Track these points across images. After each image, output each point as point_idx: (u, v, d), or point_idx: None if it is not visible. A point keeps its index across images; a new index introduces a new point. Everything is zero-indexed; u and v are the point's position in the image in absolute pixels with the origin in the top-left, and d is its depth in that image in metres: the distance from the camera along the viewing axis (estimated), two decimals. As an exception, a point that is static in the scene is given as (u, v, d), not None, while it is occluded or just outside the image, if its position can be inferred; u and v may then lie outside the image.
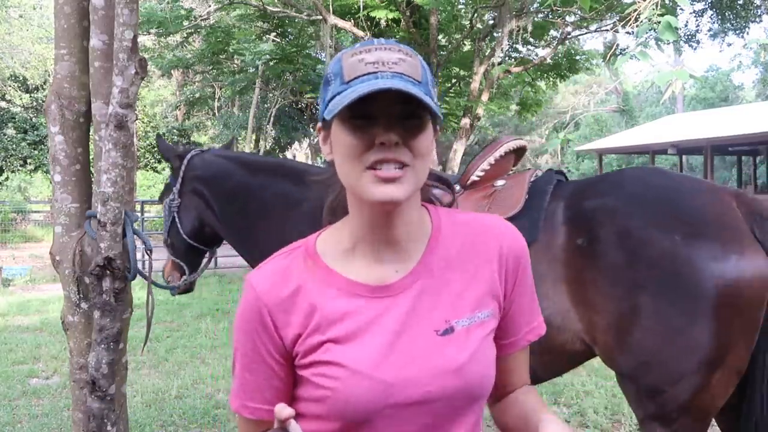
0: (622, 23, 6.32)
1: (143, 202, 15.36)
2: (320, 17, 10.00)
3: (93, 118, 2.21)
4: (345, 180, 0.97)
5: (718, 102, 34.65)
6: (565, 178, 2.40)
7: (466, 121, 10.86)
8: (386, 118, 0.92)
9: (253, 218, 2.84)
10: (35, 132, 19.66)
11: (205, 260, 3.23)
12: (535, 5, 10.13)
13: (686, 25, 15.04)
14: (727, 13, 14.02)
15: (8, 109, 20.24)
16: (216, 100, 18.51)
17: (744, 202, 1.96)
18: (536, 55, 12.49)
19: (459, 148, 10.73)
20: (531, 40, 11.61)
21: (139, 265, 2.33)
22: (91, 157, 2.26)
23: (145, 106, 21.83)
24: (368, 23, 10.65)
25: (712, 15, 14.50)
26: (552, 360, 2.10)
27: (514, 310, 1.07)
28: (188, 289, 3.23)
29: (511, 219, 2.15)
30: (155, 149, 22.61)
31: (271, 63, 12.21)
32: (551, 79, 12.94)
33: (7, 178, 21.77)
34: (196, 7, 12.69)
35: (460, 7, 11.04)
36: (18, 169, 20.57)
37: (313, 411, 0.99)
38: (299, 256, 1.04)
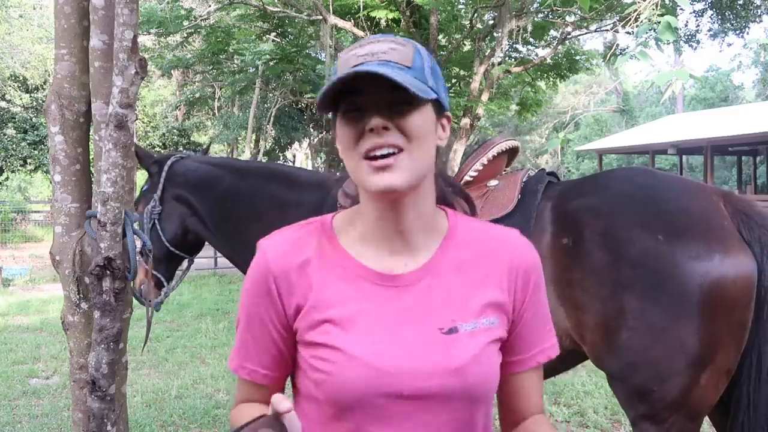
0: (622, 23, 6.32)
1: (143, 202, 15.38)
2: (320, 17, 10.00)
3: (93, 118, 2.20)
4: (349, 172, 0.99)
5: (718, 102, 34.65)
6: (557, 178, 2.41)
7: (466, 121, 10.86)
8: (375, 104, 0.94)
9: (246, 222, 2.82)
10: (35, 132, 19.65)
11: (180, 270, 3.19)
12: (535, 5, 10.13)
13: (686, 25, 15.05)
14: (727, 13, 14.02)
15: (8, 109, 20.23)
16: (216, 100, 18.50)
17: (731, 202, 1.96)
18: (536, 55, 12.49)
19: (459, 148, 10.72)
20: (531, 40, 11.60)
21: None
22: (91, 157, 2.26)
23: (145, 106, 21.82)
24: (368, 23, 10.64)
25: (712, 15, 14.50)
26: None
27: (524, 327, 1.05)
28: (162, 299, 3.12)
29: (503, 218, 2.17)
30: (155, 149, 22.63)
31: (271, 63, 12.20)
32: (551, 79, 12.93)
33: (7, 178, 21.77)
34: (196, 7, 12.68)
35: (460, 7, 11.03)
36: (18, 169, 20.56)
37: (311, 393, 1.00)
38: (313, 231, 1.05)
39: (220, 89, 17.44)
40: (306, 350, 1.00)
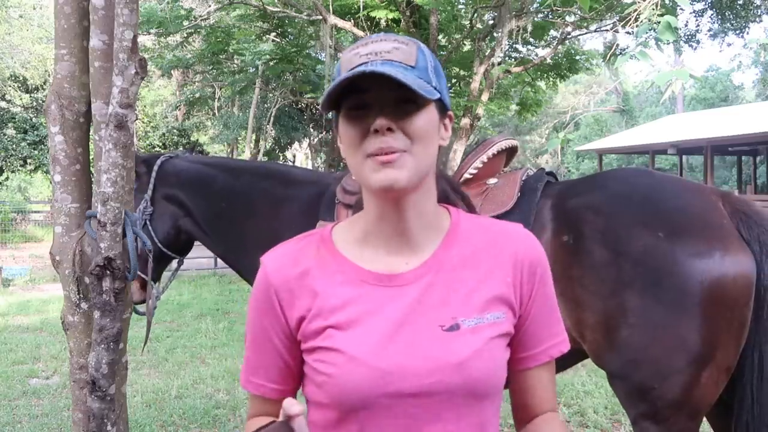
0: (622, 23, 6.32)
1: (143, 202, 15.37)
2: (320, 17, 10.00)
3: (93, 118, 2.20)
4: (352, 171, 0.99)
5: (718, 102, 34.65)
6: (555, 178, 2.42)
7: (466, 121, 10.86)
8: (380, 105, 0.94)
9: (241, 220, 2.81)
10: (35, 132, 19.65)
11: (170, 270, 3.17)
12: (535, 5, 10.12)
13: (686, 25, 15.05)
14: (727, 13, 14.02)
15: (8, 109, 20.22)
16: (216, 100, 18.50)
17: (730, 202, 1.98)
18: (536, 55, 12.49)
19: (459, 148, 10.72)
20: (531, 40, 11.60)
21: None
22: (91, 157, 2.26)
23: (145, 106, 21.81)
24: (368, 23, 10.65)
25: (712, 15, 14.49)
26: None
27: (531, 322, 1.04)
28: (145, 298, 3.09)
29: (502, 216, 2.17)
30: (155, 149, 22.61)
31: (271, 63, 12.20)
32: (551, 79, 12.94)
33: (7, 178, 21.76)
34: (196, 7, 12.67)
35: (460, 7, 11.03)
36: (18, 169, 20.57)
37: (315, 398, 1.00)
38: (313, 242, 1.06)
39: (220, 89, 17.43)
40: (309, 356, 1.00)
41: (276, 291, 1.02)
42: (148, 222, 2.90)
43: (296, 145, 20.51)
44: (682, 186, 2.07)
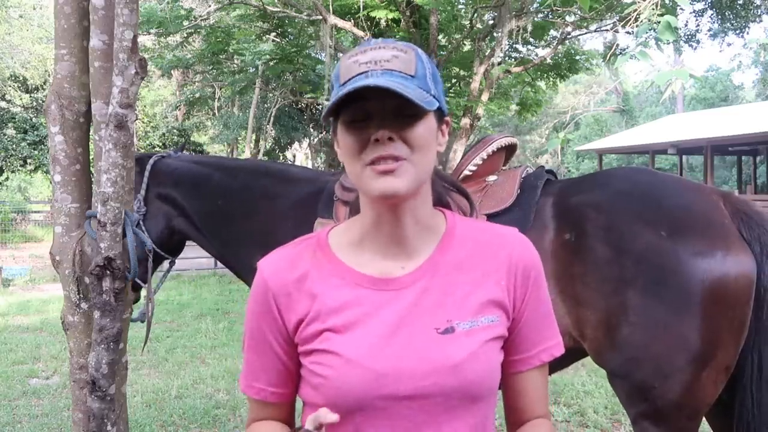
0: (622, 23, 6.32)
1: (143, 202, 15.37)
2: (320, 17, 9.99)
3: (93, 118, 2.21)
4: (351, 178, 1.00)
5: (718, 102, 34.66)
6: (555, 176, 2.43)
7: (466, 121, 10.85)
8: (380, 114, 0.94)
9: (239, 218, 2.80)
10: (35, 132, 19.65)
11: (161, 271, 3.17)
12: (535, 5, 10.12)
13: (686, 25, 15.05)
14: (727, 13, 14.01)
15: (8, 109, 20.22)
16: (216, 100, 18.49)
17: (730, 202, 1.98)
18: (536, 55, 12.48)
19: (459, 148, 10.72)
20: (531, 40, 11.59)
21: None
22: (91, 157, 2.26)
23: (145, 106, 21.81)
24: (368, 23, 10.64)
25: (712, 15, 14.49)
26: None
27: (525, 325, 1.04)
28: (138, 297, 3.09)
29: (502, 212, 2.17)
30: (155, 149, 22.61)
31: (271, 63, 12.19)
32: (551, 79, 12.93)
33: (7, 178, 21.76)
34: (196, 7, 12.67)
35: (460, 7, 11.02)
36: (18, 169, 20.56)
37: (311, 400, 1.00)
38: (309, 246, 1.06)
39: (220, 89, 17.43)
40: (306, 358, 1.01)
41: (274, 295, 1.02)
42: (141, 222, 2.83)
43: (296, 145, 20.51)
44: (684, 185, 2.07)
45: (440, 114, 1.02)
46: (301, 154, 24.43)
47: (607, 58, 10.96)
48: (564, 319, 2.05)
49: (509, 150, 2.49)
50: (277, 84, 14.39)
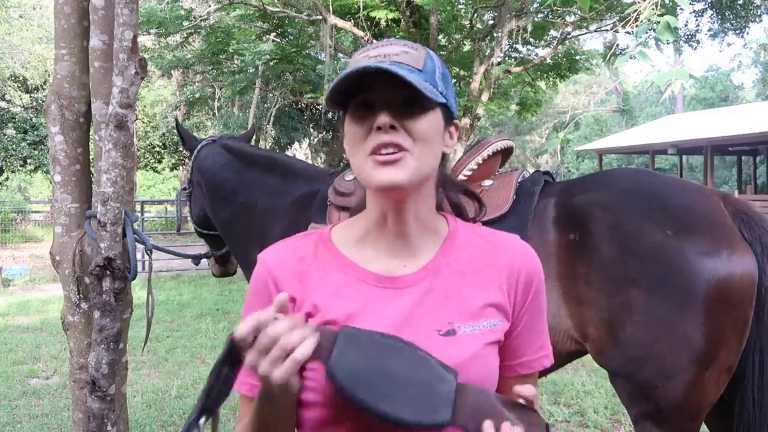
0: (622, 23, 6.32)
1: (143, 202, 15.38)
2: (320, 17, 9.99)
3: (93, 118, 2.21)
4: (355, 171, 1.00)
5: (718, 102, 34.65)
6: (552, 178, 2.42)
7: (466, 121, 10.85)
8: (384, 103, 0.95)
9: (238, 212, 2.88)
10: (35, 132, 19.65)
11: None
12: (535, 5, 10.12)
13: (686, 25, 15.04)
14: (727, 13, 14.01)
15: (8, 109, 20.22)
16: (216, 100, 18.48)
17: (731, 203, 1.99)
18: (536, 55, 12.48)
19: (459, 148, 10.72)
20: (531, 40, 11.59)
21: (139, 266, 2.34)
22: (91, 157, 2.26)
23: (145, 106, 21.81)
24: (368, 23, 10.64)
25: (712, 15, 14.49)
26: None
27: (520, 332, 1.05)
28: (226, 271, 3.28)
29: (498, 219, 2.17)
30: (155, 149, 22.62)
31: (271, 63, 12.19)
32: (551, 79, 12.93)
33: (7, 178, 21.76)
34: (196, 7, 12.67)
35: (460, 7, 11.02)
36: (18, 169, 20.57)
37: (308, 397, 0.99)
38: (311, 241, 1.06)
39: (220, 89, 17.42)
40: None
41: (276, 284, 1.02)
42: (188, 201, 3.15)
43: (296, 145, 20.49)
44: (685, 186, 2.08)
45: (449, 115, 1.02)
46: (301, 154, 24.43)
47: (607, 58, 10.96)
48: (566, 321, 2.04)
49: (505, 153, 2.49)
50: (277, 84, 14.38)
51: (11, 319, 7.85)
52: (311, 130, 17.64)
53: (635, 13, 3.86)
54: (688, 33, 14.82)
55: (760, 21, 14.71)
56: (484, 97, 10.86)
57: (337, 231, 1.08)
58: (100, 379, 2.04)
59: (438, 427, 0.87)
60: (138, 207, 12.77)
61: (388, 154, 0.94)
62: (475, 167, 2.37)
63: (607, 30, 11.50)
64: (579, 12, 10.03)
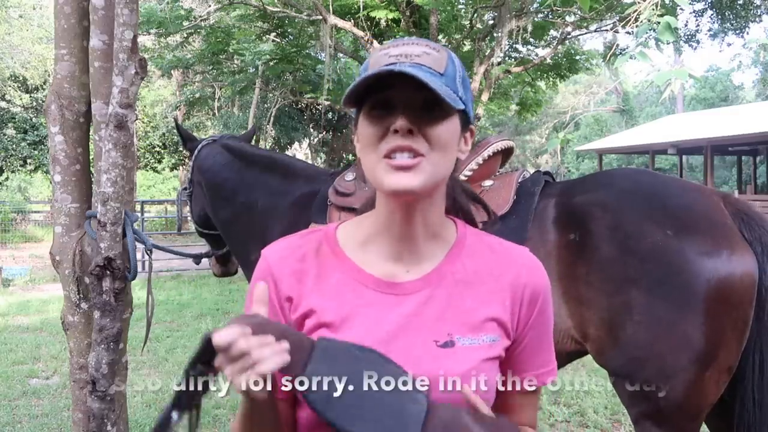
0: (622, 23, 6.32)
1: (143, 202, 15.38)
2: (320, 17, 9.99)
3: (93, 118, 2.21)
4: (366, 172, 0.97)
5: (718, 102, 34.64)
6: (552, 178, 2.42)
7: (466, 121, 10.85)
8: (403, 106, 0.92)
9: (239, 211, 2.88)
10: (35, 132, 19.64)
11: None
12: (535, 5, 10.12)
13: (686, 25, 15.04)
14: (727, 13, 14.01)
15: (8, 109, 20.21)
16: (216, 100, 18.48)
17: (731, 203, 1.99)
18: (536, 55, 12.48)
19: (459, 148, 10.72)
20: (531, 40, 11.59)
21: (139, 265, 2.34)
22: (91, 157, 2.26)
23: (145, 106, 21.80)
24: (368, 23, 10.64)
25: (712, 15, 14.48)
26: None
27: (523, 349, 1.02)
28: (226, 271, 3.28)
29: (499, 219, 2.16)
30: (155, 149, 22.61)
31: (271, 63, 12.18)
32: (551, 79, 12.93)
33: (7, 178, 21.75)
34: (196, 7, 12.67)
35: (460, 7, 11.02)
36: (18, 169, 20.56)
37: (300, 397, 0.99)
38: (316, 239, 1.04)
39: (220, 89, 17.41)
40: None
41: (276, 281, 1.00)
42: (189, 201, 3.15)
43: (296, 145, 20.49)
44: (685, 186, 2.08)
45: (465, 120, 0.99)
46: (300, 154, 24.42)
47: (607, 58, 10.96)
48: (567, 321, 2.04)
49: (505, 153, 2.48)
50: (277, 84, 14.38)
51: (11, 319, 7.85)
52: (311, 130, 17.63)
53: (635, 14, 3.86)
54: (688, 33, 14.81)
55: (760, 21, 14.71)
56: (484, 97, 10.86)
57: (343, 229, 1.06)
58: (100, 379, 2.04)
59: None
60: (138, 207, 12.76)
61: (403, 158, 0.91)
62: (476, 167, 2.37)
63: (607, 30, 11.50)
64: (579, 12, 10.03)
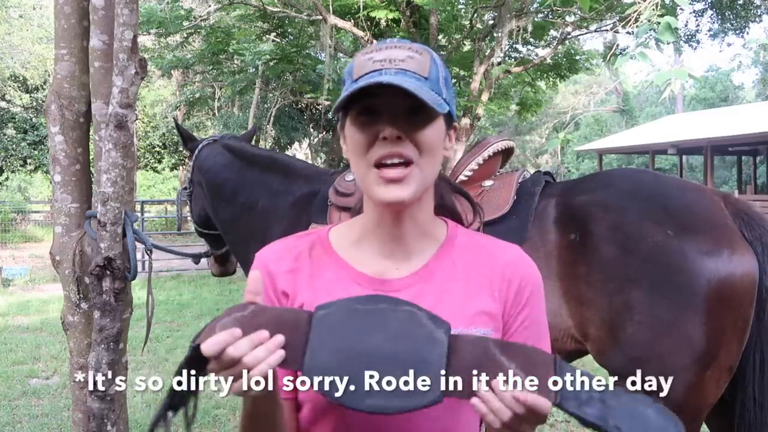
0: (622, 23, 6.32)
1: (143, 202, 15.38)
2: (320, 17, 10.00)
3: (93, 118, 2.20)
4: (356, 177, 0.99)
5: (718, 102, 34.63)
6: (553, 178, 2.42)
7: (466, 121, 10.85)
8: (390, 113, 0.93)
9: (239, 212, 2.88)
10: (35, 132, 19.64)
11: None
12: (535, 5, 10.13)
13: (686, 25, 15.04)
14: (727, 13, 14.01)
15: (8, 109, 20.21)
16: (216, 100, 18.49)
17: (731, 203, 1.99)
18: (536, 55, 12.49)
19: (459, 148, 10.71)
20: (531, 40, 11.60)
21: (139, 265, 2.35)
22: (91, 157, 2.26)
23: (145, 106, 21.80)
24: (368, 23, 10.64)
25: (712, 15, 14.49)
26: None
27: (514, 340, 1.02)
28: (225, 270, 3.29)
29: (498, 220, 2.17)
30: (155, 149, 22.60)
31: (271, 63, 12.19)
32: (551, 79, 12.93)
33: (7, 178, 21.75)
34: (196, 7, 12.67)
35: (460, 7, 11.03)
36: (18, 169, 20.56)
37: (302, 396, 0.99)
38: (309, 241, 1.06)
39: (220, 89, 17.42)
40: None
41: (270, 276, 1.02)
42: (189, 202, 3.15)
43: (296, 145, 20.50)
44: (685, 186, 2.08)
45: (449, 119, 1.01)
46: (301, 154, 24.43)
47: (607, 58, 10.97)
48: (567, 321, 2.05)
49: (506, 153, 2.49)
50: (277, 84, 14.38)
51: (11, 319, 7.85)
52: (311, 130, 17.64)
53: (635, 14, 3.86)
54: (688, 33, 14.82)
55: (760, 21, 14.72)
56: (484, 97, 10.87)
57: (335, 231, 1.08)
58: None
59: (433, 404, 0.84)
60: (138, 207, 12.76)
61: (393, 166, 0.93)
62: (476, 168, 2.37)
63: (607, 30, 11.51)
64: (579, 12, 10.03)
